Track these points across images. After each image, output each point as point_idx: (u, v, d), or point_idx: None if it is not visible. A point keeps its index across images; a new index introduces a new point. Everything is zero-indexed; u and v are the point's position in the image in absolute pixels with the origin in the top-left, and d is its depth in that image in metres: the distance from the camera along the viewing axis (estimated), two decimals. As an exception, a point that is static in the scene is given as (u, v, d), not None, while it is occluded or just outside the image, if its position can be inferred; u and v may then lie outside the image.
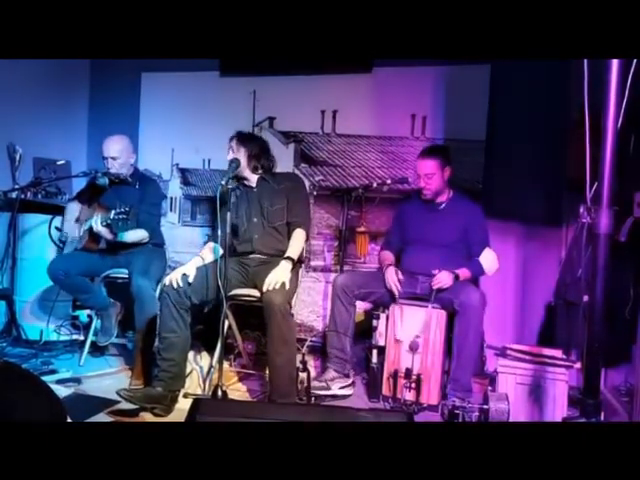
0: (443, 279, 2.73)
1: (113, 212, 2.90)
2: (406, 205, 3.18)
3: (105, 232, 3.04)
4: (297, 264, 2.90)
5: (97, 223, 2.99)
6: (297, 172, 3.75)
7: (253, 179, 2.91)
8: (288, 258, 2.68)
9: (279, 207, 2.86)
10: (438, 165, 2.89)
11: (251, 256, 2.86)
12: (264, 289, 2.53)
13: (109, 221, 2.94)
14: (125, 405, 2.48)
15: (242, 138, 2.89)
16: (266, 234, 2.86)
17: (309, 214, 3.02)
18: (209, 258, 2.81)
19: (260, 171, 2.89)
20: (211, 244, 2.90)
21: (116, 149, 3.16)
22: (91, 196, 3.30)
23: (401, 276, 2.89)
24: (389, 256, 3.09)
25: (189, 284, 2.61)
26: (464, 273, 2.82)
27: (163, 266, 3.30)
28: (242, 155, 2.83)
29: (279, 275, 2.56)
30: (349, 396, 2.90)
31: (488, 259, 2.89)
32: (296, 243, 2.79)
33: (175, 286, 2.57)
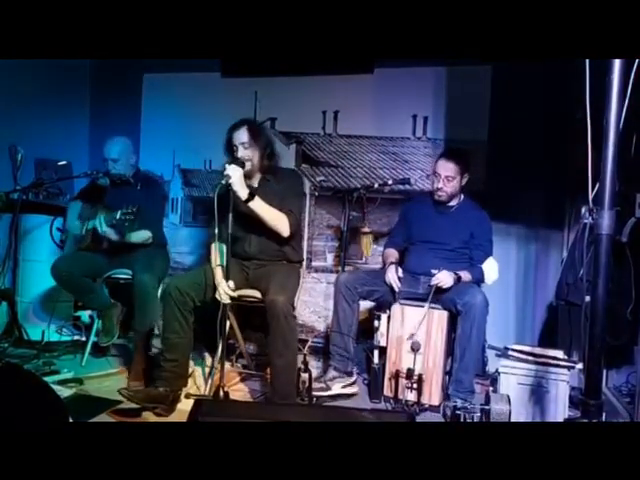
0: (443, 278, 2.73)
1: (119, 212, 2.86)
2: (414, 204, 3.18)
3: (111, 233, 3.03)
4: (298, 265, 2.89)
5: (101, 224, 2.98)
6: (298, 172, 3.75)
7: (256, 178, 2.76)
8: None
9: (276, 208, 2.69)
10: (460, 170, 2.90)
11: (248, 261, 2.81)
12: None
13: (114, 221, 2.92)
14: (127, 405, 2.47)
15: (255, 133, 2.64)
16: (263, 238, 2.73)
17: (300, 206, 2.88)
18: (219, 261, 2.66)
19: (265, 170, 2.73)
20: (215, 245, 2.70)
21: (116, 151, 3.16)
22: (93, 195, 3.30)
23: (401, 274, 2.90)
24: (393, 253, 3.09)
25: (191, 285, 2.60)
26: (465, 276, 2.81)
27: (166, 266, 3.30)
28: (255, 154, 2.65)
29: None
30: (354, 395, 2.89)
31: (490, 268, 2.89)
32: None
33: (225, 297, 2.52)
